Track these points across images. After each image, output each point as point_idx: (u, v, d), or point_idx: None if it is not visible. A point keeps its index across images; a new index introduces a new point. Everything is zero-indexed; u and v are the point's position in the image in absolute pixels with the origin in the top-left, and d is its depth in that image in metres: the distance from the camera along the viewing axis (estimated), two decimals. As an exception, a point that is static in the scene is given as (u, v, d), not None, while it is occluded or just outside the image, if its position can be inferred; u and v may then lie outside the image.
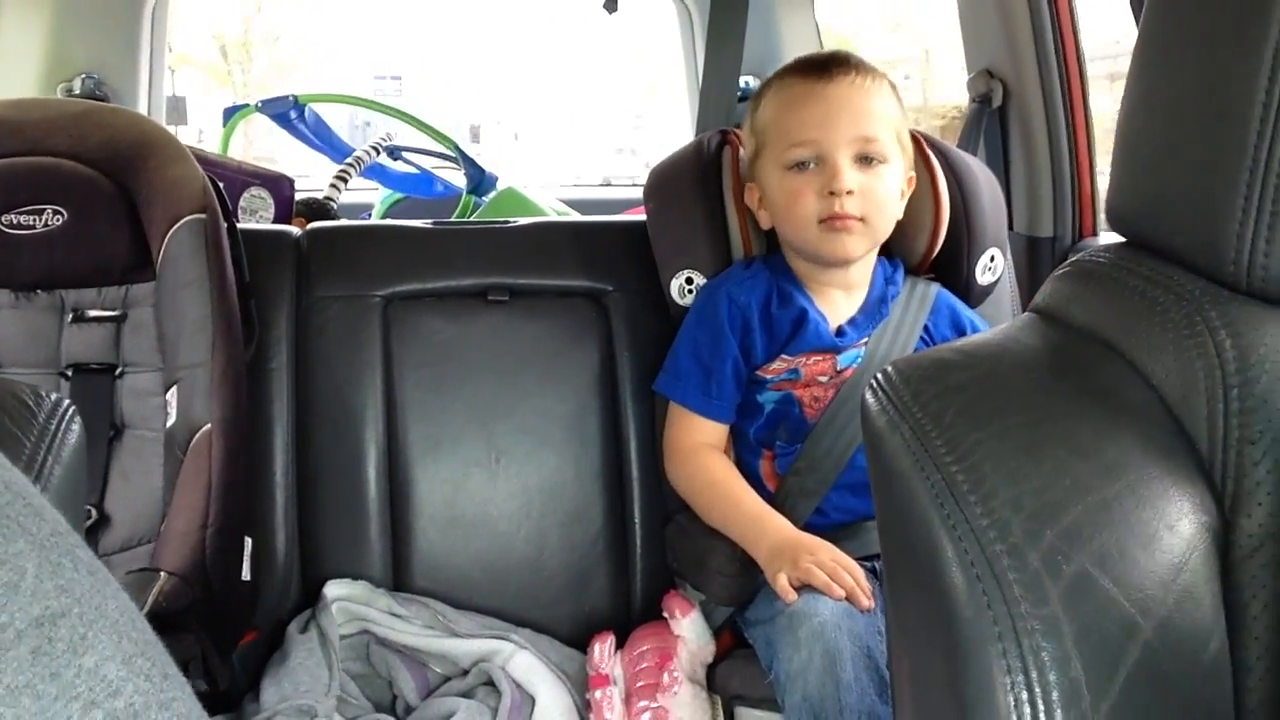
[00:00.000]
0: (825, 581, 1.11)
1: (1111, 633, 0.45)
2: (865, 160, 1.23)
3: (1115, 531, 0.47)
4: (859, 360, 1.28)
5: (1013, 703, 0.44)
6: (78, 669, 0.27)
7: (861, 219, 1.23)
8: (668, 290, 1.39)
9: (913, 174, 1.31)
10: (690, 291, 1.37)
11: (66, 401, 0.58)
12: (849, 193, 1.22)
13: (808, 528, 1.25)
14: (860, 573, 1.12)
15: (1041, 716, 0.44)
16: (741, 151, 1.39)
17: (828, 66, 1.26)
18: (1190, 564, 0.47)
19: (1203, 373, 0.50)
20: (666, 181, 1.44)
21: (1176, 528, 0.48)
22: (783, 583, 1.12)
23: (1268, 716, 0.47)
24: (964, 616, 0.46)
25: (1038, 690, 0.44)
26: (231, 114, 2.33)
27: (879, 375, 0.57)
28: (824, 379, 1.28)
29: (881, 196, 1.24)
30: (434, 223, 1.59)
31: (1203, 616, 0.47)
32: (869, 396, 0.57)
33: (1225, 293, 0.51)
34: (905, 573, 0.53)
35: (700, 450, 1.30)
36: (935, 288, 1.35)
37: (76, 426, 0.57)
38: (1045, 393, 0.52)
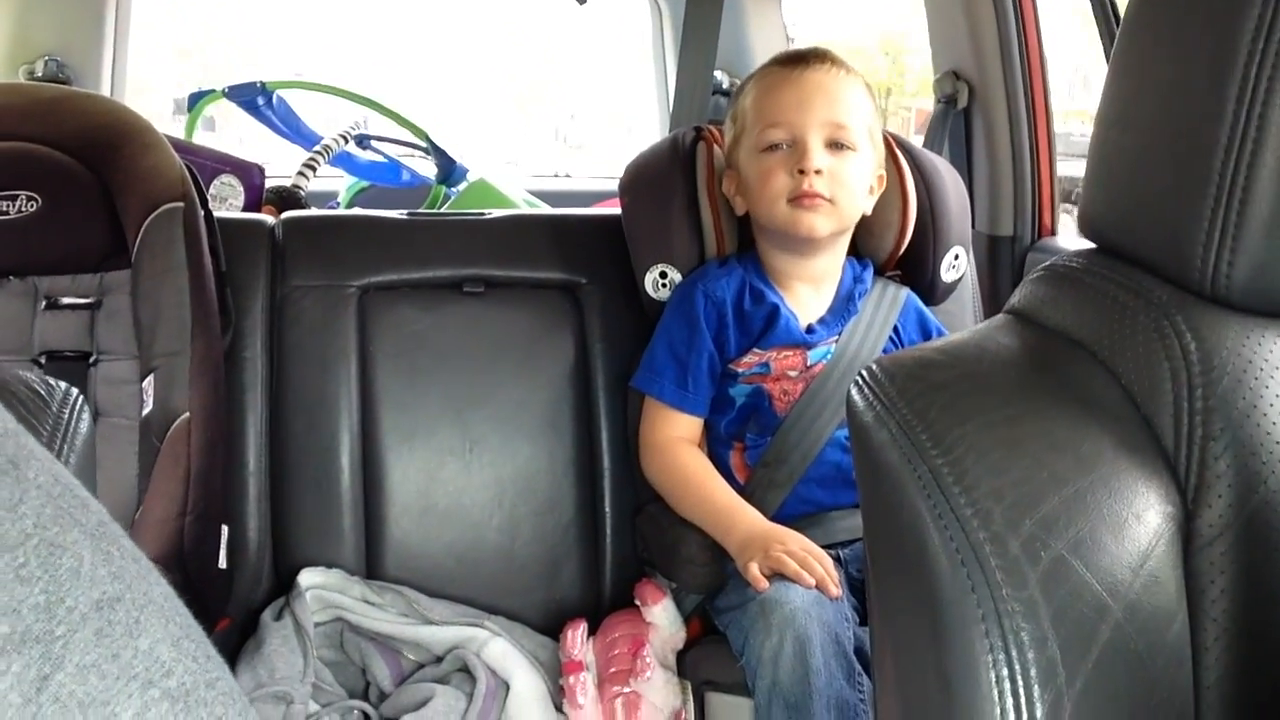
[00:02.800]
0: (796, 570, 1.14)
1: (1085, 614, 0.48)
2: (836, 146, 1.28)
3: (1088, 520, 0.50)
4: (828, 357, 1.32)
5: (994, 679, 0.47)
6: (135, 650, 0.28)
7: (830, 199, 1.27)
8: (641, 284, 1.41)
9: (883, 173, 1.35)
10: (664, 286, 1.40)
11: (75, 390, 0.59)
12: (818, 172, 1.26)
13: (775, 518, 1.28)
14: (829, 561, 1.16)
15: (1021, 692, 0.47)
16: (716, 149, 1.42)
17: (806, 58, 1.31)
18: (1156, 551, 0.51)
19: (1169, 373, 0.53)
20: (641, 176, 1.46)
21: (1144, 517, 0.51)
22: (754, 572, 1.15)
23: (1223, 691, 0.51)
24: (949, 600, 0.49)
25: (1018, 667, 0.47)
26: (198, 99, 2.31)
27: (864, 372, 0.60)
28: (794, 373, 1.31)
29: (850, 181, 1.28)
30: (410, 213, 1.60)
31: (1167, 599, 0.50)
32: (854, 393, 0.60)
33: (1191, 298, 0.55)
34: (890, 560, 0.56)
35: (674, 444, 1.33)
36: (905, 291, 1.39)
37: (87, 415, 0.58)
38: (1023, 390, 0.55)
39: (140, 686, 0.28)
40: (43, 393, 0.57)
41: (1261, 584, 0.51)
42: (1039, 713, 0.47)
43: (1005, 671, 0.47)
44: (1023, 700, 0.47)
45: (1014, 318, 0.62)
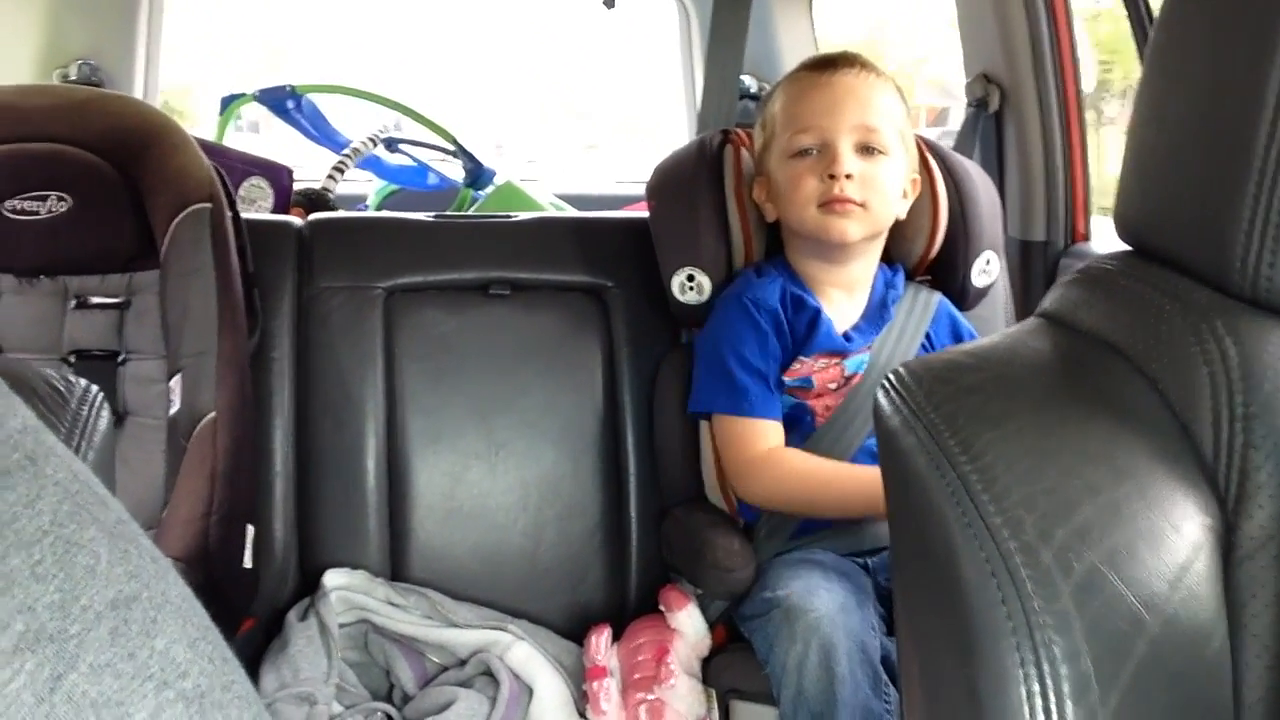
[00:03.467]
0: None
1: (1120, 628, 0.47)
2: (867, 150, 1.26)
3: (1124, 532, 0.49)
4: (864, 366, 1.30)
5: (1025, 694, 0.46)
6: (150, 650, 0.28)
7: (861, 204, 1.25)
8: (669, 287, 1.40)
9: (916, 177, 1.33)
10: (691, 289, 1.39)
11: (95, 388, 0.59)
12: (848, 176, 1.24)
13: (804, 526, 1.27)
14: None
15: (1053, 708, 0.46)
16: (744, 152, 1.41)
17: (835, 62, 1.30)
18: (1194, 564, 0.49)
19: (1208, 379, 0.52)
20: (669, 180, 1.45)
21: (1182, 529, 0.49)
22: None
23: (1266, 712, 0.49)
24: (978, 611, 0.47)
25: (1049, 683, 0.46)
26: (229, 102, 2.32)
27: (891, 376, 0.59)
28: (834, 386, 1.30)
29: (881, 184, 1.26)
30: (436, 216, 1.60)
31: (1206, 615, 0.49)
32: (881, 397, 0.58)
33: (1230, 302, 0.53)
34: (918, 569, 0.55)
35: (778, 453, 1.27)
36: (937, 296, 1.37)
37: (106, 412, 0.58)
38: (1055, 396, 0.54)
39: (155, 687, 0.27)
40: (62, 389, 0.57)
41: None
42: None
43: (1036, 686, 0.46)
44: (1054, 716, 0.46)
45: (1046, 321, 0.61)
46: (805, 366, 1.29)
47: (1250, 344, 0.52)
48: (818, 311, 1.30)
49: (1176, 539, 0.49)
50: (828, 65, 1.30)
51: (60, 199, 1.31)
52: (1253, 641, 0.49)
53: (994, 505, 0.49)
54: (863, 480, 1.20)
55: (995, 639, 0.47)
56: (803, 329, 1.30)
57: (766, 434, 1.27)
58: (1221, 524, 0.50)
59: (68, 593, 0.26)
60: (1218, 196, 0.52)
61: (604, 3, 1.92)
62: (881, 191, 1.26)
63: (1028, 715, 0.46)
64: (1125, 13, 1.52)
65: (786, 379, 1.30)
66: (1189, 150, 0.55)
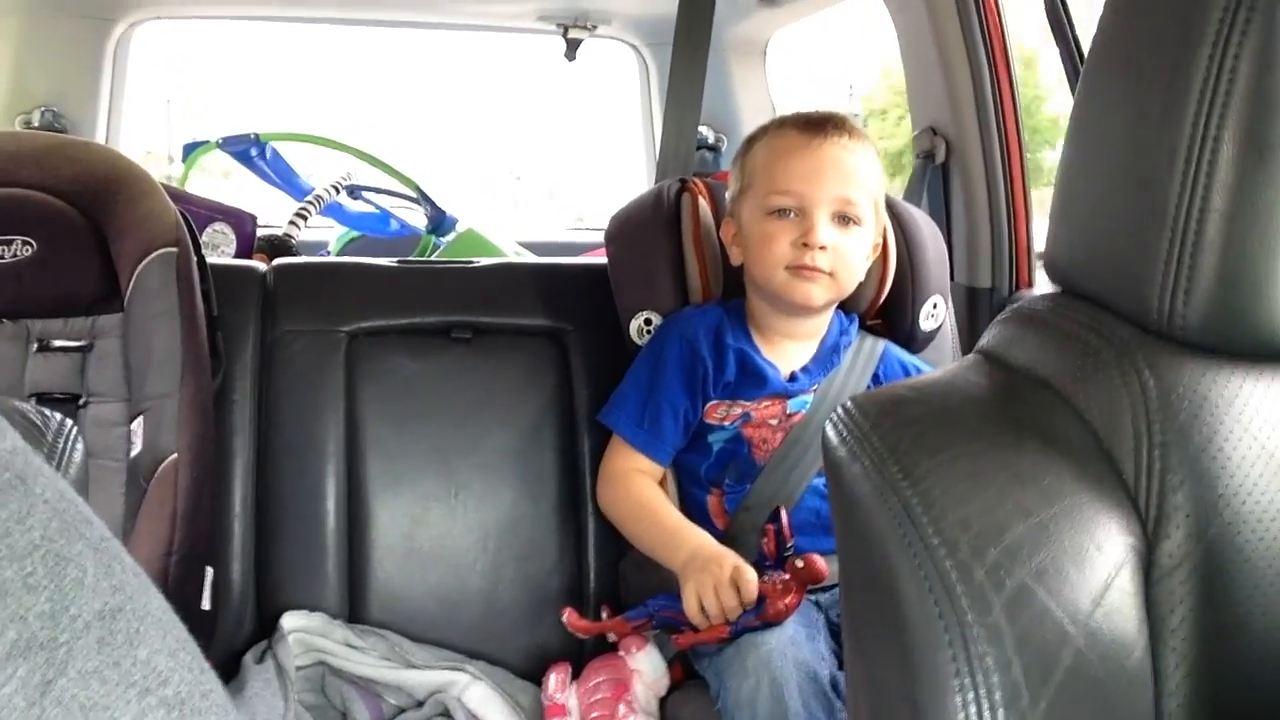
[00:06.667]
0: (694, 611, 1.17)
1: (1047, 640, 0.50)
2: (842, 220, 1.28)
3: (1051, 550, 0.52)
4: (806, 406, 1.33)
5: (959, 703, 0.49)
6: (134, 659, 0.29)
7: (830, 274, 1.29)
8: (626, 331, 1.44)
9: (879, 240, 1.37)
10: (649, 332, 1.42)
11: (70, 421, 0.61)
12: (822, 248, 1.27)
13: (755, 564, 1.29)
14: (732, 600, 1.16)
15: (987, 714, 0.49)
16: (701, 200, 1.45)
17: (823, 126, 1.30)
18: (1117, 580, 0.53)
19: (1129, 409, 0.56)
20: (628, 227, 1.49)
21: (1105, 548, 0.53)
22: (689, 595, 1.17)
23: (1184, 719, 0.53)
24: (916, 625, 0.50)
25: (983, 691, 0.49)
26: (192, 150, 2.34)
27: (839, 410, 0.62)
28: (774, 421, 1.33)
29: (851, 255, 1.30)
30: (399, 261, 1.62)
31: (1127, 627, 0.52)
32: (829, 430, 0.62)
33: (1151, 338, 0.57)
34: (862, 590, 0.58)
35: (629, 475, 1.34)
36: (882, 343, 1.41)
37: (81, 445, 0.60)
38: (989, 425, 0.58)
39: (138, 694, 0.29)
40: (38, 423, 0.59)
41: (1219, 613, 0.53)
42: None
43: (971, 695, 0.49)
44: None
45: (983, 357, 0.65)
46: (742, 406, 1.33)
47: (1167, 377, 0.56)
48: (751, 353, 1.34)
49: (1100, 557, 0.52)
50: (816, 129, 1.30)
51: (25, 243, 1.32)
52: (1171, 653, 0.53)
53: (932, 527, 0.52)
54: (666, 527, 1.28)
55: (933, 651, 0.50)
56: (734, 367, 1.33)
57: (628, 456, 1.35)
58: (1143, 543, 0.54)
59: (58, 603, 0.28)
60: (1137, 240, 0.57)
61: (565, 55, 1.97)
62: (850, 262, 1.30)
63: None
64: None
65: (725, 423, 1.33)
66: (1111, 198, 0.59)
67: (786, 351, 1.36)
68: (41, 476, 0.31)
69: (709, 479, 1.34)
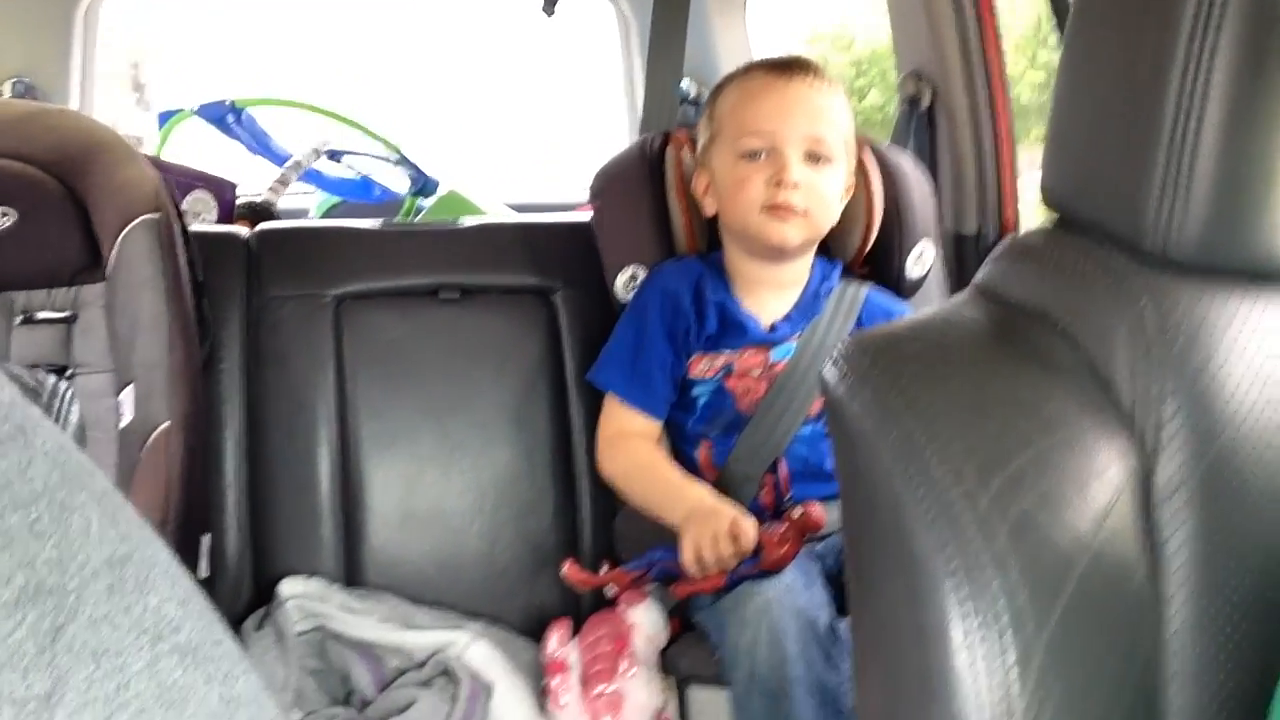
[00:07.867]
0: (691, 561, 1.17)
1: (1052, 566, 0.50)
2: (813, 158, 1.29)
3: (1053, 478, 0.52)
4: (790, 354, 1.34)
5: (965, 630, 0.49)
6: (144, 606, 0.29)
7: (804, 213, 1.29)
8: (612, 286, 1.43)
9: (852, 181, 1.37)
10: (634, 287, 1.42)
11: (65, 384, 0.60)
12: (795, 185, 1.27)
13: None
14: (729, 550, 1.17)
15: (994, 640, 0.49)
16: (685, 153, 1.44)
17: (789, 67, 1.31)
18: (1117, 506, 0.53)
19: (1126, 335, 0.56)
20: (611, 182, 1.48)
21: (1105, 474, 0.53)
22: (689, 556, 1.18)
23: (1185, 640, 0.53)
24: (923, 556, 0.51)
25: (990, 617, 0.49)
26: (167, 118, 2.31)
27: (836, 351, 0.62)
28: (756, 372, 1.33)
29: (824, 193, 1.30)
30: (384, 223, 1.61)
31: (1129, 552, 0.53)
32: (829, 371, 0.62)
33: (1145, 264, 0.57)
34: (866, 529, 0.58)
35: (626, 438, 1.34)
36: (865, 288, 1.41)
37: (77, 406, 0.59)
38: (989, 358, 0.58)
39: (150, 640, 0.29)
40: (33, 385, 0.58)
41: (1219, 536, 0.54)
42: (1011, 658, 0.49)
43: (977, 622, 0.49)
44: (995, 648, 0.49)
45: (978, 293, 0.65)
46: (725, 358, 1.33)
47: (1164, 301, 0.56)
48: (731, 305, 1.34)
49: (1100, 484, 0.53)
50: (782, 70, 1.31)
51: (4, 214, 1.30)
52: (1173, 577, 0.53)
53: (936, 457, 0.52)
54: (668, 483, 1.28)
55: (939, 580, 0.50)
56: (714, 319, 1.33)
57: (623, 417, 1.35)
58: (1142, 469, 0.54)
59: (65, 550, 0.27)
60: (1132, 165, 0.56)
61: (543, 9, 1.94)
62: (824, 200, 1.30)
63: (968, 649, 0.49)
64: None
65: (708, 376, 1.33)
66: (1105, 124, 0.59)
67: (767, 301, 1.36)
68: (41, 429, 0.30)
69: (695, 433, 1.35)
